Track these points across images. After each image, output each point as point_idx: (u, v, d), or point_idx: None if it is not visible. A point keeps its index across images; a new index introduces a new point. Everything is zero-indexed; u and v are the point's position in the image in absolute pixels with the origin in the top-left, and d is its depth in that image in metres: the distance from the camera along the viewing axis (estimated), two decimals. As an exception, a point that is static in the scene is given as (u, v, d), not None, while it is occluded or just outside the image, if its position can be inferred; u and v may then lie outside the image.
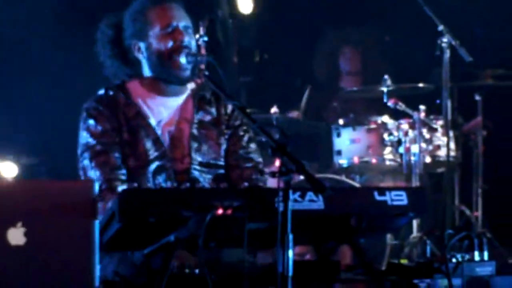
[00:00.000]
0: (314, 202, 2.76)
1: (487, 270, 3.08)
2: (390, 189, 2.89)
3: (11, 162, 5.79)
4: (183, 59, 3.51)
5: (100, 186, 3.34)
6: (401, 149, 5.81)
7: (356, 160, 5.84)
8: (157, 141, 3.56)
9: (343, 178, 5.70)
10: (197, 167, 3.57)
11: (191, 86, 3.69)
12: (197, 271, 2.82)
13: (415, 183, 5.63)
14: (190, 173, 3.56)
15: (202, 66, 3.50)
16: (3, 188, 2.71)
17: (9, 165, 5.79)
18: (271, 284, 2.72)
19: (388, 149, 5.83)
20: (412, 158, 5.72)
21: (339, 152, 5.87)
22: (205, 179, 3.58)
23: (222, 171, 3.63)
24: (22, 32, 6.38)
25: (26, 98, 6.22)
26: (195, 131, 3.62)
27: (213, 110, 3.69)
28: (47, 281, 2.58)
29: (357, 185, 5.70)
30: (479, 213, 6.08)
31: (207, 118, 3.67)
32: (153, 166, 3.54)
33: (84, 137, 3.53)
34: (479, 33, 6.45)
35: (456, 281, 3.00)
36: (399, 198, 2.87)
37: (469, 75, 5.91)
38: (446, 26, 5.55)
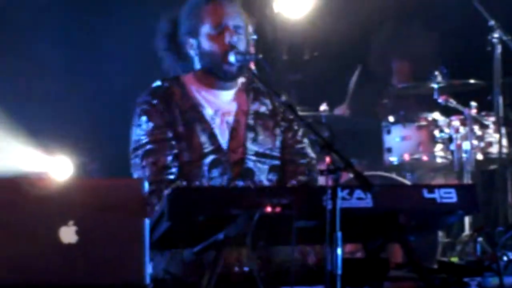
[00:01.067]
0: (363, 199, 2.77)
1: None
2: (440, 186, 2.88)
3: (66, 157, 5.87)
4: (231, 58, 3.53)
5: (150, 181, 3.32)
6: (452, 146, 5.79)
7: (406, 157, 5.83)
8: (212, 135, 3.58)
9: (394, 175, 5.70)
10: (252, 157, 3.59)
11: (241, 80, 3.71)
12: (246, 268, 2.84)
13: (467, 180, 5.60)
14: (244, 164, 3.58)
15: (252, 65, 3.50)
16: (55, 187, 2.76)
17: (64, 160, 5.86)
18: (320, 282, 2.74)
19: (439, 146, 5.82)
20: (464, 155, 5.69)
21: (389, 150, 5.88)
22: (260, 169, 3.59)
23: (276, 162, 3.64)
24: (73, 33, 6.47)
25: (78, 97, 6.28)
26: (251, 121, 3.65)
27: (268, 101, 3.71)
28: (97, 279, 2.62)
29: (407, 182, 5.69)
30: None
31: (262, 109, 3.70)
32: (208, 159, 3.55)
33: (137, 134, 3.57)
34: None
35: (508, 279, 2.99)
36: (449, 196, 2.85)
37: None
38: (497, 21, 5.52)
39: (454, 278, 2.95)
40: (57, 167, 5.78)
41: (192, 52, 3.67)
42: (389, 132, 5.87)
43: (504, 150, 5.74)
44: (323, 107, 6.00)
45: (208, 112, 3.62)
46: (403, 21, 6.81)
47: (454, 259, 3.16)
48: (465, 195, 2.89)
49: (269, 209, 2.67)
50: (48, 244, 2.57)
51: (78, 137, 6.04)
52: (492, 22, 5.51)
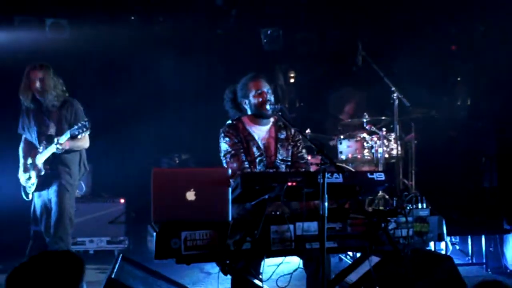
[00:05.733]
0: (337, 178, 2.76)
1: (425, 212, 3.03)
2: (375, 171, 2.86)
3: (176, 156, 5.82)
4: (268, 107, 3.51)
5: (237, 171, 3.33)
6: (373, 150, 5.74)
7: (350, 156, 5.78)
8: (258, 147, 3.53)
9: (344, 165, 5.64)
10: (278, 161, 3.53)
11: (272, 120, 3.64)
12: (278, 213, 2.84)
13: (381, 168, 5.50)
14: (275, 164, 3.53)
15: (278, 111, 3.45)
16: (183, 172, 2.78)
17: (175, 158, 5.81)
18: (316, 219, 2.72)
19: (366, 150, 5.76)
20: (379, 155, 5.65)
21: (341, 152, 5.83)
22: (282, 167, 3.53)
23: (289, 163, 3.57)
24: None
25: (187, 120, 6.17)
26: (277, 143, 3.58)
27: (284, 132, 3.64)
28: (205, 217, 2.63)
29: (351, 169, 5.62)
30: (412, 183, 5.92)
31: (282, 136, 3.62)
32: (257, 159, 3.50)
33: (224, 146, 3.49)
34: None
35: (410, 218, 2.97)
36: (380, 177, 2.84)
37: (409, 112, 5.76)
38: (395, 87, 5.48)
39: (382, 218, 2.91)
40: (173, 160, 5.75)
41: (246, 106, 3.60)
42: (341, 143, 5.82)
43: (399, 152, 5.69)
44: (307, 131, 5.96)
45: (256, 136, 3.56)
46: (346, 87, 6.71)
47: (381, 208, 3.10)
48: (388, 176, 2.88)
49: (290, 183, 2.68)
50: (182, 201, 2.59)
51: (183, 145, 5.97)
52: (393, 88, 5.48)
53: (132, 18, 6.45)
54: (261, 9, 6.45)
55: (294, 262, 3.17)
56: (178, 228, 2.57)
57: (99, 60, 6.08)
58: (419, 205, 3.05)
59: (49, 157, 4.12)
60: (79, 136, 4.01)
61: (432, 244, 5.06)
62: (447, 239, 5.38)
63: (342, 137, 5.84)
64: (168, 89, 6.32)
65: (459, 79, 7.10)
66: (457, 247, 5.50)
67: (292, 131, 3.63)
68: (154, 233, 2.56)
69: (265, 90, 3.55)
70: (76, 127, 3.97)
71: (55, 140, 4.05)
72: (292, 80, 6.94)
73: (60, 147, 4.03)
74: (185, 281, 4.23)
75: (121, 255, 3.48)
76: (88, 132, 4.03)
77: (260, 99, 3.53)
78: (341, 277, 3.20)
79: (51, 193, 4.17)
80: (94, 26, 6.02)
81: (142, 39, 6.27)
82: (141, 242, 5.70)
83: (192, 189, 2.59)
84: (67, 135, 4.01)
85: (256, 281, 2.89)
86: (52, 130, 4.16)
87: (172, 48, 6.37)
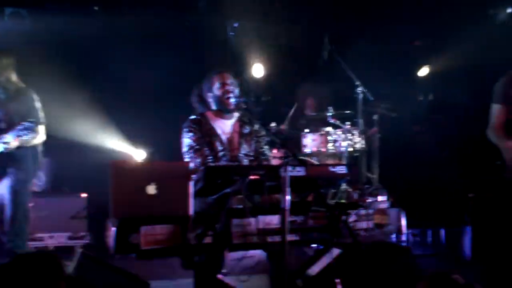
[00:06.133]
0: (300, 171, 2.76)
1: (386, 205, 3.08)
2: (338, 164, 2.88)
3: (141, 150, 5.73)
4: (231, 100, 3.51)
5: (200, 166, 3.32)
6: (337, 144, 5.76)
7: (314, 149, 5.79)
8: (221, 142, 3.52)
9: (308, 158, 5.64)
10: (241, 155, 3.53)
11: (237, 115, 3.64)
12: (240, 206, 2.80)
13: (345, 161, 5.54)
14: (237, 158, 3.53)
15: (243, 104, 3.47)
16: (144, 166, 2.73)
17: (141, 152, 5.73)
18: (277, 213, 2.71)
19: (330, 144, 5.76)
20: (343, 148, 5.67)
21: (305, 146, 5.82)
22: (245, 161, 3.52)
23: (252, 158, 3.57)
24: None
25: (150, 116, 6.09)
26: (240, 138, 3.58)
27: (248, 127, 3.64)
28: (165, 211, 2.59)
29: (315, 162, 5.63)
30: (376, 176, 5.99)
31: (246, 131, 3.62)
32: (220, 154, 3.50)
33: (187, 141, 3.48)
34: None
35: (370, 211, 3.01)
36: (342, 170, 2.87)
37: (372, 107, 5.83)
38: (360, 81, 5.52)
39: (343, 210, 2.94)
40: (137, 154, 5.66)
41: (210, 100, 3.59)
42: (305, 137, 5.81)
43: (362, 146, 5.71)
44: (272, 124, 5.94)
45: (219, 131, 3.56)
46: (310, 81, 6.70)
47: (343, 200, 3.14)
48: (350, 169, 2.90)
49: (252, 176, 2.68)
50: (142, 195, 2.55)
51: (149, 139, 5.90)
52: (357, 82, 5.53)
53: (95, 8, 6.28)
54: (228, 2, 6.40)
55: (257, 255, 3.16)
56: (138, 222, 2.53)
57: (61, 51, 5.90)
58: (380, 198, 3.09)
59: None
60: (25, 138, 3.82)
61: (394, 236, 5.15)
62: (408, 231, 5.50)
63: (307, 131, 5.84)
64: (132, 82, 6.19)
65: (421, 74, 7.22)
66: (418, 238, 5.62)
67: (256, 126, 3.63)
68: (113, 228, 2.51)
69: (228, 82, 3.55)
70: (20, 127, 3.76)
71: (0, 138, 3.84)
72: (258, 74, 6.90)
73: (7, 146, 3.84)
74: (148, 275, 4.18)
75: (81, 251, 3.41)
76: (33, 135, 3.86)
77: (224, 91, 3.52)
78: (303, 269, 3.22)
79: (4, 190, 4.00)
80: (55, 16, 5.84)
81: (106, 30, 6.12)
82: (103, 237, 5.59)
83: (152, 183, 2.55)
84: (12, 135, 3.81)
85: (219, 275, 2.87)
86: (2, 124, 3.94)
87: (137, 40, 6.26)
